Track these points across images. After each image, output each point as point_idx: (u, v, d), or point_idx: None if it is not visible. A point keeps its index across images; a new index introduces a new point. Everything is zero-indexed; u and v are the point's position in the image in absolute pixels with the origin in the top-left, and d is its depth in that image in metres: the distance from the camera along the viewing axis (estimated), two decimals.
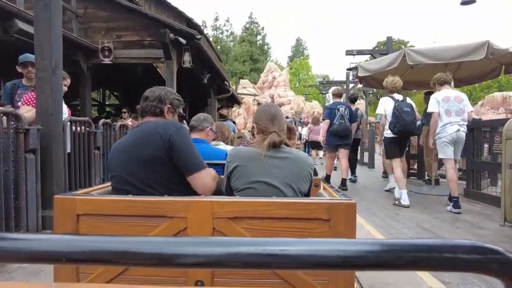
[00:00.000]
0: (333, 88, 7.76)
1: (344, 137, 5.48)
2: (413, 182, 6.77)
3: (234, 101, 14.65)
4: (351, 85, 14.82)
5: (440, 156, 4.47)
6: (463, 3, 7.26)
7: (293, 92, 28.48)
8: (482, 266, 0.41)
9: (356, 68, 6.96)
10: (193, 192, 1.64)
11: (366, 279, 2.18)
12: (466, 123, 4.30)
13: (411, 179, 7.13)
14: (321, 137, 5.85)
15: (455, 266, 0.41)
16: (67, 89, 3.26)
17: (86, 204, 1.40)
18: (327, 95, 19.72)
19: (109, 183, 1.88)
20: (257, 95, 24.66)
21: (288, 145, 1.67)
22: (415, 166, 7.54)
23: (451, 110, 4.21)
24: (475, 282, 2.31)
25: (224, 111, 16.58)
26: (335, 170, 7.24)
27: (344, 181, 5.69)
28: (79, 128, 3.44)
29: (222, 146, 2.59)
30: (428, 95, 6.41)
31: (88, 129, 3.59)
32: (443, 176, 6.80)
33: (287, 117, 12.94)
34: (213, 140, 2.60)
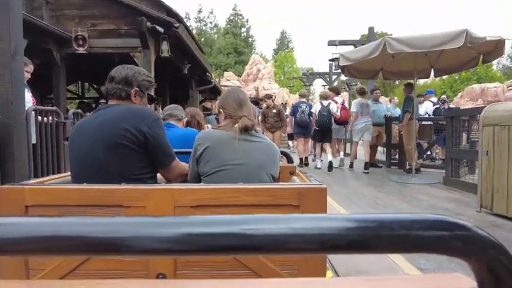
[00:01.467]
0: (301, 90, 9.67)
1: (304, 127, 7.13)
2: (394, 171, 6.84)
3: (217, 93, 14.45)
4: (334, 76, 14.85)
5: (355, 139, 6.88)
6: None
7: (278, 84, 28.39)
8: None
9: (338, 59, 6.93)
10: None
11: (342, 268, 2.13)
12: (370, 120, 6.81)
13: (393, 168, 7.20)
14: (289, 129, 7.88)
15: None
16: (30, 76, 3.07)
17: (36, 195, 1.28)
18: (311, 87, 19.75)
19: (68, 173, 1.75)
20: (241, 87, 24.49)
21: (256, 131, 1.63)
22: (397, 156, 7.63)
23: (363, 112, 6.75)
24: (452, 268, 2.30)
25: (208, 104, 16.36)
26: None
27: (301, 160, 7.38)
28: (46, 119, 3.25)
29: None
30: (407, 86, 6.49)
31: (56, 119, 3.41)
32: (425, 166, 6.91)
33: (282, 104, 12.88)
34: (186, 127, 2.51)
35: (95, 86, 13.50)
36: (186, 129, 2.44)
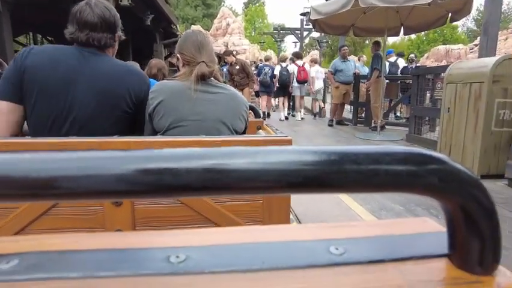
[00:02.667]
0: (266, 55, 10.31)
1: (266, 87, 8.36)
2: (360, 129, 7.02)
3: None
4: (305, 33, 14.54)
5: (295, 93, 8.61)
6: None
7: (248, 40, 27.49)
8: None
9: (309, 12, 6.72)
10: None
11: (306, 220, 2.18)
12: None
13: (359, 126, 7.38)
14: (256, 87, 8.90)
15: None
16: None
17: None
18: (282, 43, 19.31)
19: None
20: None
21: (218, 80, 1.46)
22: (363, 114, 7.79)
23: (319, 77, 8.60)
24: (408, 217, 2.43)
25: (174, 60, 15.59)
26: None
27: (264, 113, 7.96)
28: None
29: None
30: (375, 44, 6.52)
31: (0, 72, 3.07)
32: (390, 124, 7.13)
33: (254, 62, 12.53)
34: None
35: (49, 38, 12.38)
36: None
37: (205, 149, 0.27)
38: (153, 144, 1.19)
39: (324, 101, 9.80)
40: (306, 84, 8.49)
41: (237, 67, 7.09)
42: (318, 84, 8.63)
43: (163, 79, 2.59)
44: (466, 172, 0.29)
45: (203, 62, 1.36)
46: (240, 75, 7.07)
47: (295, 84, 8.37)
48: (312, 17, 5.84)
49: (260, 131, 1.70)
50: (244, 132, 1.58)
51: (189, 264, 0.29)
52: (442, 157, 0.28)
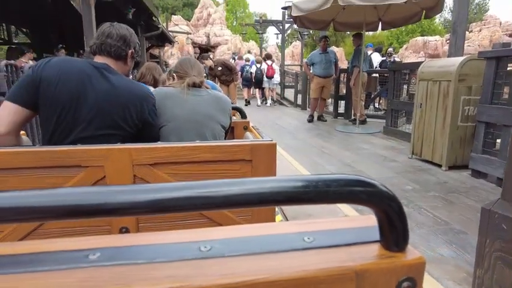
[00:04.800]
0: (245, 55, 13.43)
1: (247, 81, 11.19)
2: (340, 121, 7.27)
3: (165, 39, 13.64)
4: (287, 25, 14.63)
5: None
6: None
7: (230, 31, 27.29)
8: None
9: (290, 7, 6.83)
10: None
11: (290, 212, 2.38)
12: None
13: (339, 119, 7.63)
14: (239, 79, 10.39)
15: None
16: None
17: None
18: (264, 34, 19.32)
19: (20, 132, 1.67)
20: (191, 33, 23.20)
21: (206, 87, 1.76)
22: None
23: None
24: None
25: (155, 51, 15.41)
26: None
27: (246, 100, 11.35)
28: None
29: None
30: (356, 37, 6.66)
31: None
32: (369, 116, 7.37)
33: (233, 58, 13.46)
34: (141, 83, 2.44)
35: (24, 30, 11.98)
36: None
37: (200, 182, 0.43)
38: (153, 150, 1.32)
39: (281, 93, 12.89)
40: (273, 79, 11.05)
41: (219, 68, 7.20)
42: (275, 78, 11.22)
43: (153, 80, 2.70)
44: (385, 190, 0.47)
45: (194, 75, 1.67)
46: (224, 75, 7.16)
47: (265, 79, 10.95)
48: (293, 14, 5.96)
49: (247, 133, 1.85)
50: (229, 128, 1.81)
51: (213, 252, 0.46)
52: (371, 181, 0.46)
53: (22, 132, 1.73)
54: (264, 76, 10.93)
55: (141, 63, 2.92)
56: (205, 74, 2.13)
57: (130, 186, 0.41)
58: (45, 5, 6.95)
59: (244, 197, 0.43)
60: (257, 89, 11.42)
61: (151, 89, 2.51)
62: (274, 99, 11.97)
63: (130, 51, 1.50)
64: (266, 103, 11.50)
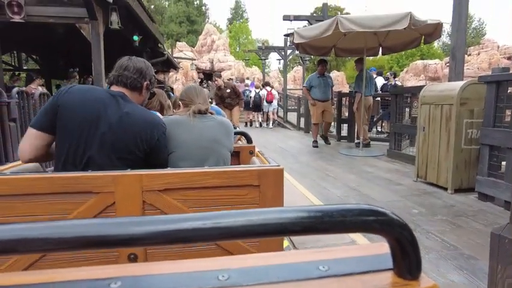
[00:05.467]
0: (246, 81, 14.80)
1: (247, 105, 11.91)
2: (343, 144, 7.29)
3: (170, 65, 13.96)
4: (289, 51, 14.97)
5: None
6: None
7: (233, 56, 27.93)
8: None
9: (292, 34, 7.03)
10: None
11: (298, 238, 2.36)
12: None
13: (342, 142, 7.66)
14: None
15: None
16: None
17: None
18: (266, 61, 19.76)
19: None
20: (195, 59, 23.74)
21: (212, 113, 1.83)
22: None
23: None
24: None
25: (160, 76, 15.77)
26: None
27: (246, 123, 12.99)
28: None
29: None
30: (359, 61, 6.79)
31: None
32: (372, 139, 7.38)
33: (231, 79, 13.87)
34: (148, 109, 2.49)
35: (34, 57, 12.35)
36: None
37: (219, 213, 0.45)
38: (164, 176, 1.34)
39: (284, 116, 13.72)
40: (272, 103, 12.46)
41: (228, 90, 7.21)
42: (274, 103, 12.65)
43: (159, 105, 2.75)
44: (397, 219, 0.48)
45: (199, 103, 1.74)
46: (231, 97, 7.21)
47: (265, 103, 12.45)
48: (296, 41, 6.13)
49: (254, 158, 1.87)
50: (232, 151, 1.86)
51: (232, 281, 0.48)
52: (384, 211, 0.48)
53: None
54: (264, 101, 12.37)
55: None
56: (210, 100, 2.23)
57: (152, 217, 0.44)
58: (56, 34, 7.21)
59: (263, 227, 0.45)
60: (256, 113, 12.88)
61: (157, 114, 2.58)
62: (276, 122, 12.96)
63: (145, 83, 1.58)
64: (268, 125, 12.65)
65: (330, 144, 7.25)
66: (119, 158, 1.45)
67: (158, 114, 2.60)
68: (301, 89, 14.85)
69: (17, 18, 5.80)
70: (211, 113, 1.82)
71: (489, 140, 3.20)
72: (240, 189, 1.40)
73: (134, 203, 1.32)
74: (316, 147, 6.98)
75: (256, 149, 2.21)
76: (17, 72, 10.44)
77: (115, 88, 1.53)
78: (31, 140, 1.42)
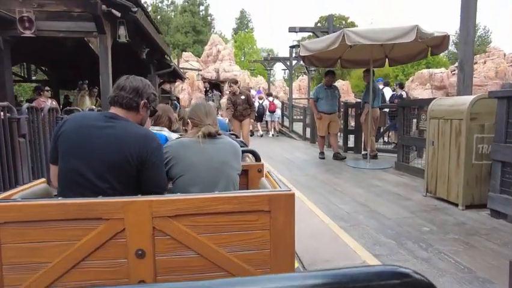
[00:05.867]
0: (252, 90, 15.52)
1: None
2: (350, 156, 7.22)
3: (176, 76, 14.09)
4: (294, 62, 15.04)
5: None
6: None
7: (238, 66, 28.10)
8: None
9: (298, 46, 7.05)
10: None
11: (307, 259, 2.32)
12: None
13: (349, 153, 7.61)
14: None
15: None
16: None
17: (6, 212, 1.27)
18: (271, 70, 19.87)
19: (40, 180, 1.72)
20: (201, 70, 23.92)
21: (220, 134, 1.81)
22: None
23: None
24: (400, 252, 2.58)
25: (166, 86, 15.90)
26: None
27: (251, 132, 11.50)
28: None
29: (165, 132, 2.48)
30: (367, 72, 6.73)
31: (8, 115, 3.20)
32: (380, 150, 7.28)
33: (250, 89, 14.57)
34: (156, 125, 2.49)
35: (43, 68, 12.54)
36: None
37: (253, 278, 0.44)
38: (174, 202, 1.33)
39: (290, 126, 13.91)
40: (274, 113, 13.05)
41: (242, 97, 6.67)
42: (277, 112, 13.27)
43: (168, 121, 2.74)
44: (422, 279, 0.47)
45: (209, 124, 1.73)
46: (243, 106, 6.64)
47: (267, 113, 12.96)
48: (302, 54, 6.15)
49: (264, 179, 1.84)
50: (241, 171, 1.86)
51: None
52: (408, 272, 0.47)
53: (43, 180, 1.78)
54: (267, 111, 12.89)
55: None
56: (217, 108, 2.22)
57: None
58: (64, 47, 7.32)
59: None
60: (258, 122, 13.14)
61: (166, 130, 2.57)
62: (278, 131, 13.34)
63: (142, 101, 1.58)
64: (269, 134, 13.05)
65: (345, 158, 6.78)
66: (114, 176, 1.45)
67: (166, 129, 2.61)
68: (307, 99, 14.97)
69: (28, 33, 5.90)
70: (219, 134, 1.81)
71: (501, 156, 3.15)
72: (251, 215, 1.39)
73: (144, 229, 1.31)
74: (323, 158, 6.90)
75: (265, 169, 2.19)
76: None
77: (112, 109, 1.56)
78: (53, 172, 1.58)
